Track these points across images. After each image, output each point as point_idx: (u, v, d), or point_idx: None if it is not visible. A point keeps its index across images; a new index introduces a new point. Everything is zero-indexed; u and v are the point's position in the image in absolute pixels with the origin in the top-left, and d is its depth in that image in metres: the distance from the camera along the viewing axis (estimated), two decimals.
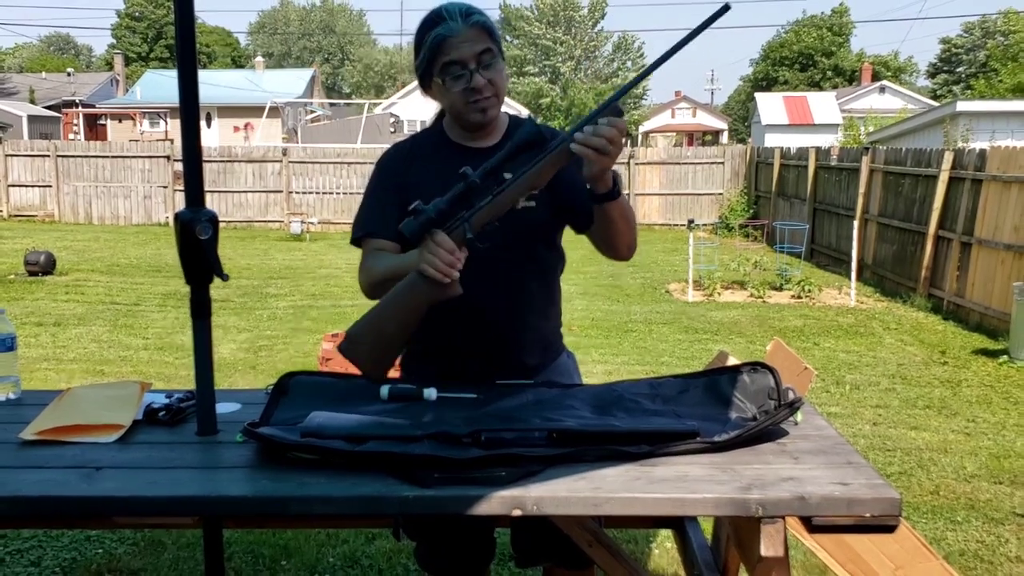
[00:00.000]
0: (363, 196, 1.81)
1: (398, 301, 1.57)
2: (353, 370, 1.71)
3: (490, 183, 1.51)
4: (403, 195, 1.74)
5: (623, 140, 1.52)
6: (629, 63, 39.77)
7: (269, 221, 14.91)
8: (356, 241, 1.79)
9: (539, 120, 1.86)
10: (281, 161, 14.89)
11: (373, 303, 1.66)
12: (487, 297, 1.71)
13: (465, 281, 1.64)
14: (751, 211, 14.41)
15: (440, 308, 1.68)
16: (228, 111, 30.92)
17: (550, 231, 1.81)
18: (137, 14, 51.20)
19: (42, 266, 9.28)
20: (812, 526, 1.31)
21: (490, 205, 1.52)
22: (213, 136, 29.22)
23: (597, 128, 1.48)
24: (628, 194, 14.83)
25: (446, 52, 1.65)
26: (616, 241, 1.73)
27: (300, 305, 7.79)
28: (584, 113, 37.13)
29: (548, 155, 1.51)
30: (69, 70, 41.24)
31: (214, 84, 29.79)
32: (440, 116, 1.83)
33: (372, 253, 1.76)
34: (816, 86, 42.88)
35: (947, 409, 4.82)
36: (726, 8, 1.41)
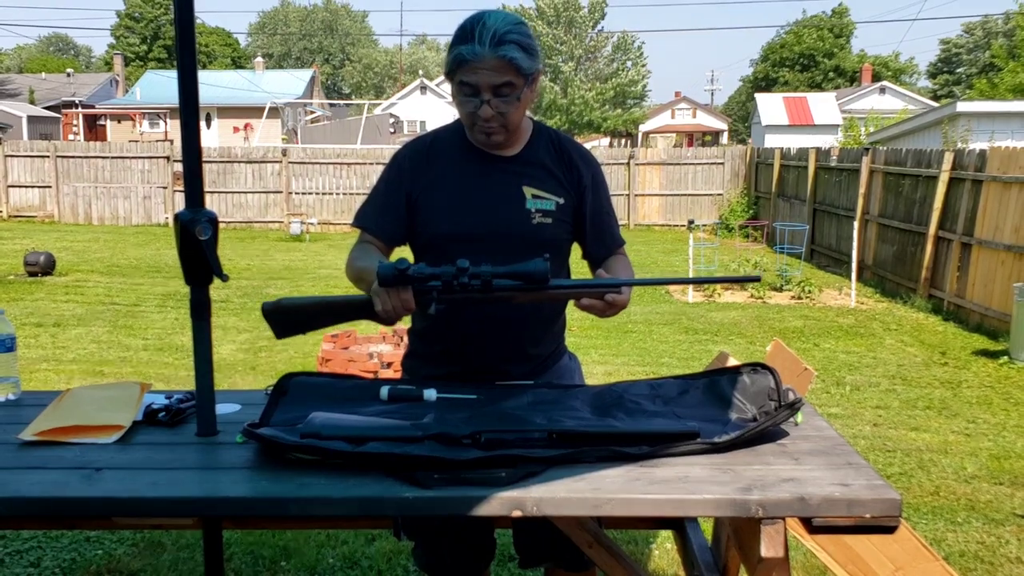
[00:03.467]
0: (375, 184, 1.82)
1: (341, 305, 1.65)
2: (353, 370, 1.71)
3: (477, 283, 1.53)
4: (412, 196, 1.75)
5: (617, 311, 1.62)
6: (629, 63, 39.74)
7: (269, 222, 14.91)
8: (356, 226, 1.82)
9: (538, 118, 1.86)
10: (281, 162, 14.88)
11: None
12: (493, 307, 1.71)
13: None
14: (751, 212, 14.40)
15: (447, 315, 1.69)
16: (228, 111, 30.90)
17: (562, 247, 1.81)
18: (136, 14, 51.18)
19: (42, 267, 9.28)
20: (812, 527, 1.31)
21: (461, 295, 1.55)
22: (213, 137, 29.19)
23: (594, 304, 1.60)
24: (628, 195, 14.84)
25: (464, 73, 1.62)
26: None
27: None
28: (585, 112, 37.13)
29: (528, 290, 1.55)
30: (69, 71, 41.24)
31: (214, 84, 29.76)
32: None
33: (361, 245, 1.79)
34: (816, 87, 42.89)
35: (947, 410, 4.82)
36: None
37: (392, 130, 25.34)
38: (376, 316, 1.57)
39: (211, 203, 12.30)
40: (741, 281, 1.66)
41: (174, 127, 26.34)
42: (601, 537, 1.54)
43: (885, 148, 10.64)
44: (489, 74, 1.60)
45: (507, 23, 1.62)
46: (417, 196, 1.74)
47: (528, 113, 1.81)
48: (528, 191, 1.74)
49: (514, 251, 1.67)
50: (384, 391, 1.67)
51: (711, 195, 15.05)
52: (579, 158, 1.80)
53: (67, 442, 1.50)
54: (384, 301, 1.54)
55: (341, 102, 41.35)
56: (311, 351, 5.82)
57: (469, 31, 1.61)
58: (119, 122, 31.02)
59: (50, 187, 15.24)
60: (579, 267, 1.90)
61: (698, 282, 1.68)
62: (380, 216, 1.77)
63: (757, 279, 1.70)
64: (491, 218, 1.71)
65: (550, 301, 1.61)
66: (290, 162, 14.87)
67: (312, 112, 31.15)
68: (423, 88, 39.49)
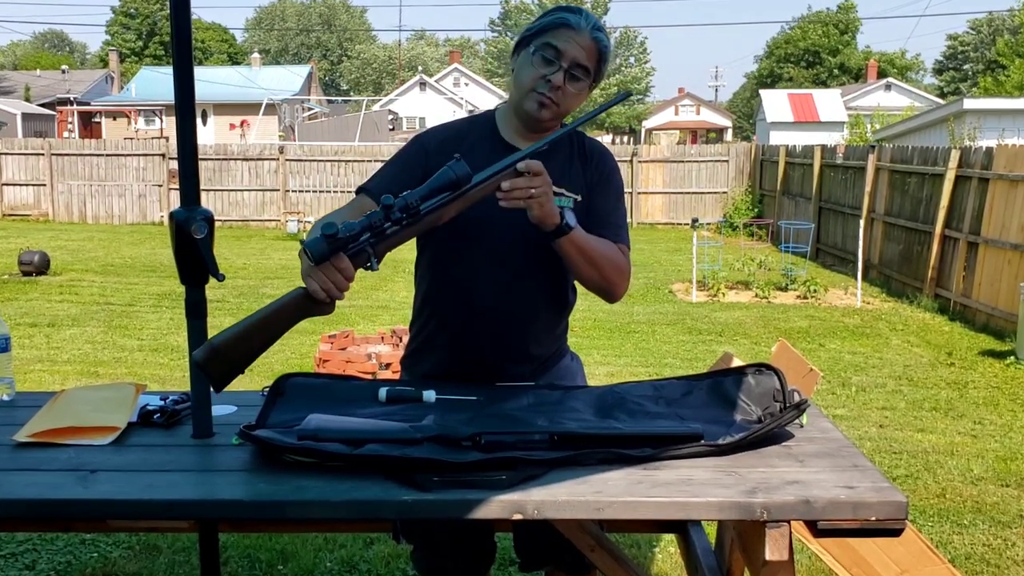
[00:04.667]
0: (391, 157, 1.78)
1: (275, 316, 1.48)
2: (350, 371, 1.69)
3: (406, 215, 1.45)
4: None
5: (540, 182, 1.51)
6: (632, 59, 39.74)
7: (265, 220, 14.88)
8: (358, 190, 1.74)
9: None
10: (278, 159, 14.86)
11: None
12: (496, 300, 1.69)
13: (475, 283, 1.66)
14: (756, 210, 14.36)
15: (445, 305, 1.66)
16: (224, 108, 30.84)
17: None
18: (132, 10, 51.20)
19: (36, 266, 9.26)
20: (817, 530, 1.30)
21: (396, 236, 1.47)
22: (209, 134, 29.13)
23: (514, 182, 1.50)
24: (631, 193, 14.80)
25: (555, 35, 1.65)
26: (581, 278, 1.69)
27: None
28: (588, 107, 37.07)
29: (453, 198, 1.49)
30: (64, 67, 41.30)
31: (210, 81, 29.65)
32: (494, 108, 1.81)
33: (346, 208, 1.70)
34: (822, 83, 42.80)
35: (954, 411, 4.79)
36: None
37: (391, 127, 25.36)
38: (316, 305, 1.43)
39: (207, 201, 12.27)
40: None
41: (170, 124, 26.19)
42: (603, 540, 1.52)
43: (891, 145, 10.61)
44: (579, 49, 1.65)
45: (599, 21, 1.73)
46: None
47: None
48: None
49: (529, 247, 1.67)
50: (383, 392, 1.65)
51: (715, 193, 15.02)
52: (599, 156, 1.80)
53: (62, 444, 1.48)
54: (320, 281, 1.40)
55: (339, 99, 41.32)
56: (308, 352, 5.81)
57: (574, 8, 1.69)
58: (114, 119, 31.08)
59: (45, 185, 15.24)
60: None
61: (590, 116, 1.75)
62: (385, 184, 1.67)
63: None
64: (509, 212, 1.69)
65: (476, 202, 1.51)
66: (287, 160, 14.85)
67: (310, 109, 31.15)
68: (422, 84, 39.49)
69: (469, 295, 1.70)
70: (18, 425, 1.55)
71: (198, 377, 1.53)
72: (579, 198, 1.74)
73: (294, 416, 1.53)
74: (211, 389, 1.50)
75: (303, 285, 1.44)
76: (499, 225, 1.69)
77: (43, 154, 15.23)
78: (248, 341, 1.45)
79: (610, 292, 1.72)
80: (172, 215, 1.50)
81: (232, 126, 29.63)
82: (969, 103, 13.57)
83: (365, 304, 7.84)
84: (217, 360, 1.43)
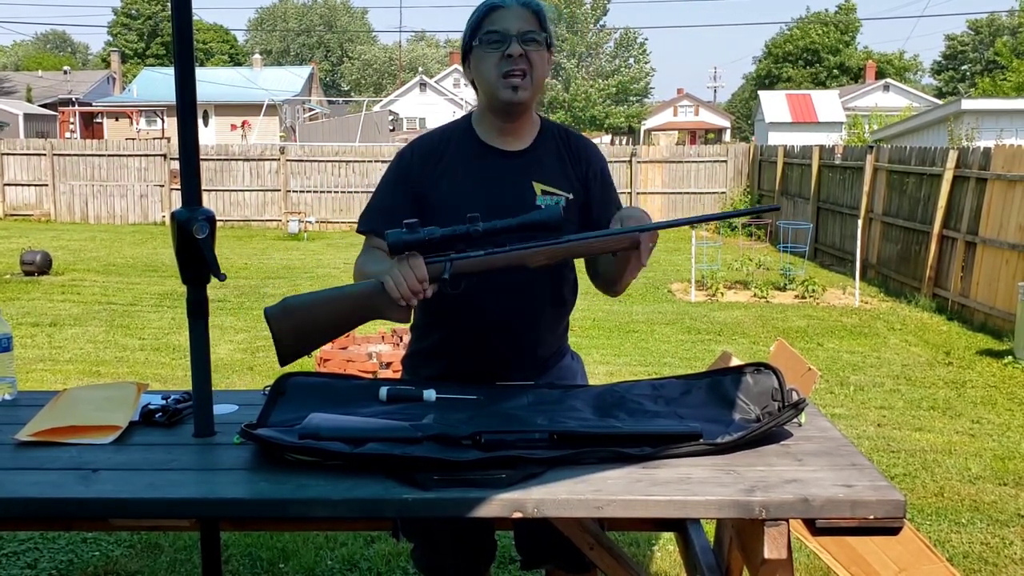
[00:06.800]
0: (378, 184, 1.79)
1: (346, 299, 1.51)
2: (351, 370, 1.70)
3: (491, 240, 1.51)
4: (420, 194, 1.72)
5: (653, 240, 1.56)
6: (632, 60, 39.72)
7: (267, 220, 14.87)
8: (362, 232, 1.78)
9: (544, 112, 1.86)
10: (279, 159, 14.85)
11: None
12: (504, 304, 1.70)
13: (482, 288, 1.64)
14: None
15: (449, 307, 1.67)
16: (225, 109, 30.82)
17: None
18: (134, 11, 51.12)
19: (38, 266, 9.26)
20: (816, 528, 1.30)
21: (479, 259, 1.51)
22: (210, 134, 29.09)
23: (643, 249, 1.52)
24: (630, 193, 14.80)
25: (491, 21, 1.66)
26: (619, 284, 1.74)
27: None
28: (587, 108, 37.11)
29: (546, 247, 1.51)
30: (65, 68, 41.24)
31: (211, 82, 29.61)
32: (468, 114, 1.82)
33: (369, 250, 1.75)
34: (820, 84, 42.80)
35: (951, 410, 4.80)
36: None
37: (391, 127, 25.36)
38: (391, 304, 1.47)
39: (208, 201, 12.29)
40: (760, 211, 1.66)
41: (171, 125, 26.22)
42: (602, 539, 1.52)
43: (889, 146, 10.61)
44: (517, 20, 1.66)
45: None
46: (427, 193, 1.72)
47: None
48: (538, 186, 1.73)
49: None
50: (383, 391, 1.66)
51: (714, 193, 15.01)
52: (587, 152, 1.80)
53: (64, 443, 1.49)
54: (396, 278, 1.45)
55: (340, 99, 41.33)
56: None
57: None
58: (116, 120, 31.02)
59: (47, 185, 15.23)
60: (577, 267, 1.89)
61: (719, 218, 1.66)
62: (386, 218, 1.72)
63: (776, 208, 1.82)
64: (501, 216, 1.70)
65: (567, 257, 1.56)
66: (288, 160, 14.84)
67: (310, 109, 31.15)
68: (422, 85, 39.49)
69: (479, 301, 1.68)
70: (20, 424, 1.55)
71: (199, 376, 1.54)
72: (571, 196, 1.75)
73: (295, 415, 1.53)
74: (210, 390, 1.51)
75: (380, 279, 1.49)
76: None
77: (45, 154, 15.21)
78: (316, 310, 1.48)
79: (620, 286, 1.75)
80: (174, 215, 1.50)
81: (233, 127, 29.60)
82: (967, 103, 13.57)
83: None
84: (286, 319, 1.46)
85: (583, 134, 1.94)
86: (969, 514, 3.34)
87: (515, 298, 1.71)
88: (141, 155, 15.17)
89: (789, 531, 1.31)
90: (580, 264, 1.85)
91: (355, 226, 1.86)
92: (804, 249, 10.04)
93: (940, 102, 25.48)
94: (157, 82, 32.37)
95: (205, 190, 11.67)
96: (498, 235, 1.50)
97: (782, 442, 1.50)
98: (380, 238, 1.72)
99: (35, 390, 1.94)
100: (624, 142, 35.45)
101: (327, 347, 4.89)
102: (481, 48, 1.67)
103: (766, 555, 1.29)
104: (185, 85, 1.49)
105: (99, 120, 31.28)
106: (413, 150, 1.79)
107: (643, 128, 41.98)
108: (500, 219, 1.52)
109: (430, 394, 1.65)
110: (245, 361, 5.76)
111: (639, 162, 14.97)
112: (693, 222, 1.63)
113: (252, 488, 1.33)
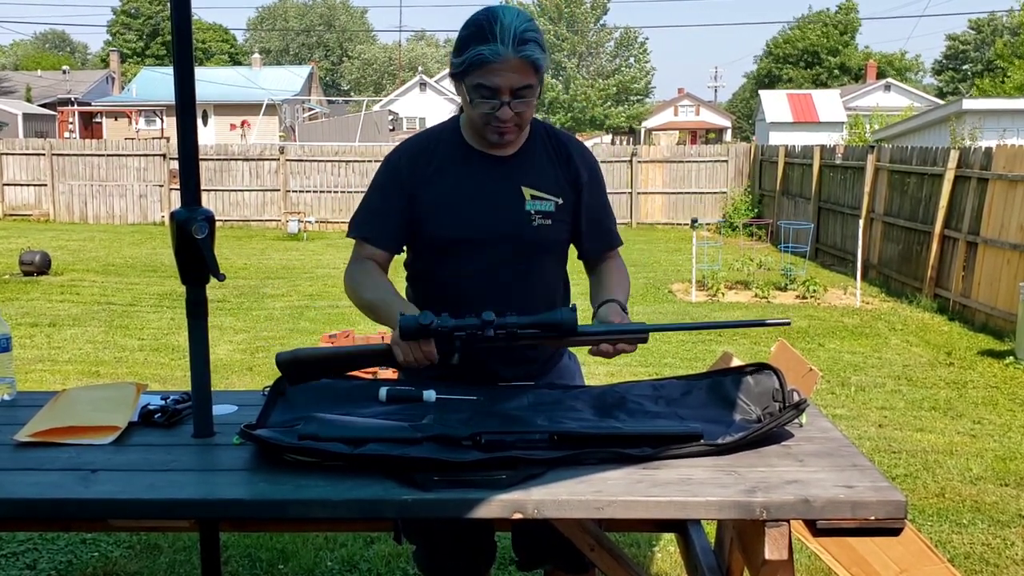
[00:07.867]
0: (367, 190, 1.77)
1: (358, 357, 1.69)
2: (351, 371, 1.70)
3: (503, 333, 1.54)
4: (411, 198, 1.72)
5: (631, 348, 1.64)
6: (632, 59, 39.74)
7: (266, 220, 14.87)
8: (352, 237, 1.78)
9: (541, 115, 1.86)
10: (278, 159, 14.85)
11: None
12: (498, 304, 1.69)
13: (472, 288, 1.68)
14: (755, 210, 14.36)
15: (447, 309, 1.67)
16: (225, 109, 30.82)
17: (562, 249, 1.80)
18: (133, 11, 51.11)
19: (37, 266, 9.26)
20: (816, 529, 1.30)
21: (486, 345, 1.56)
22: (209, 134, 29.11)
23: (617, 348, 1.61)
24: (631, 193, 14.80)
25: (483, 74, 1.57)
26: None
27: (297, 305, 7.76)
28: (588, 108, 37.13)
29: (549, 338, 1.58)
30: (65, 68, 41.25)
31: (211, 81, 29.63)
32: (457, 114, 1.80)
33: (361, 263, 1.75)
34: (821, 84, 42.78)
35: (953, 411, 4.79)
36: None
37: (391, 127, 25.37)
38: (397, 365, 1.59)
39: (208, 201, 12.29)
40: (768, 325, 1.66)
41: (171, 124, 26.21)
42: (603, 539, 1.52)
43: (890, 146, 10.60)
44: (511, 76, 1.56)
45: (523, 20, 1.58)
46: (417, 198, 1.72)
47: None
48: (527, 191, 1.72)
49: (514, 254, 1.69)
50: (383, 392, 1.66)
51: (715, 193, 15.01)
52: (576, 154, 1.79)
53: (63, 443, 1.49)
54: (406, 353, 1.55)
55: (339, 99, 41.33)
56: None
57: (487, 29, 1.55)
58: (115, 119, 31.05)
59: (46, 185, 15.23)
60: (576, 267, 1.89)
61: (720, 327, 1.73)
62: (378, 223, 1.73)
63: (787, 323, 1.72)
64: (491, 221, 1.70)
65: (574, 345, 1.66)
66: (288, 160, 14.84)
67: (310, 109, 31.16)
68: (422, 85, 39.49)
69: (474, 301, 1.68)
70: (19, 425, 1.55)
71: (199, 376, 1.54)
72: (560, 201, 1.74)
73: (295, 416, 1.53)
74: (209, 390, 1.51)
75: (389, 343, 1.59)
76: (496, 229, 1.70)
77: (44, 154, 15.22)
78: (326, 364, 1.63)
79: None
80: (173, 215, 1.50)
81: (233, 126, 29.62)
82: (968, 103, 13.56)
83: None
84: (295, 366, 1.60)
85: (573, 135, 1.93)
86: (970, 515, 3.33)
87: (511, 299, 1.71)
88: (140, 155, 15.17)
89: (790, 532, 1.30)
90: (575, 265, 1.86)
91: None
92: (805, 249, 10.03)
93: (941, 102, 25.48)
94: (156, 82, 32.38)
95: (204, 190, 11.56)
96: (509, 329, 1.54)
97: (783, 443, 1.50)
98: (371, 245, 1.74)
99: (34, 390, 1.94)
100: (625, 142, 35.46)
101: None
102: (471, 97, 1.61)
103: (767, 556, 1.29)
104: (184, 85, 1.49)
105: (98, 120, 31.31)
106: (401, 154, 1.77)
107: (644, 128, 41.97)
108: (489, 263, 1.63)
109: (430, 395, 1.65)
110: (244, 361, 5.76)
111: (640, 162, 14.97)
112: (695, 328, 1.77)
113: (251, 489, 1.33)
